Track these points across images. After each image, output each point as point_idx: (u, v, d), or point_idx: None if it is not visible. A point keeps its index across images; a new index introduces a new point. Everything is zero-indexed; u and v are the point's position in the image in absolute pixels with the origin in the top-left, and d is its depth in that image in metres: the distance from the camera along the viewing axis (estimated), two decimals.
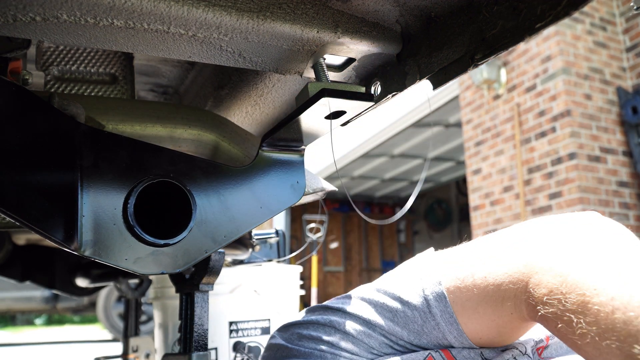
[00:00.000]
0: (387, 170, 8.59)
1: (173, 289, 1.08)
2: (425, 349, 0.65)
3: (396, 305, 0.66)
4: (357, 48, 0.71)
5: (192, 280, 0.93)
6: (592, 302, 0.46)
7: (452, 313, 0.61)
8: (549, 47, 4.17)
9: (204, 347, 0.91)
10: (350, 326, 0.67)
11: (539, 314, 0.51)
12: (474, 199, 4.92)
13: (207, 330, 0.92)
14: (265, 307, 1.40)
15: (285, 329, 0.75)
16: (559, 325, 0.49)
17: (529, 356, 0.64)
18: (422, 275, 0.65)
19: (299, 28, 0.66)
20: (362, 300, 0.70)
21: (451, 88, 5.27)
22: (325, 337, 0.68)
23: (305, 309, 0.77)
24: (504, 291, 0.56)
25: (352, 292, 0.73)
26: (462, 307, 0.61)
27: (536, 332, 0.68)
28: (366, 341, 0.66)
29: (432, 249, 0.71)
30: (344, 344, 0.66)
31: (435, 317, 0.62)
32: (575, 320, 0.47)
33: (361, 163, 7.96)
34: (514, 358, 0.63)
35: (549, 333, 0.67)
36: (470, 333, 0.62)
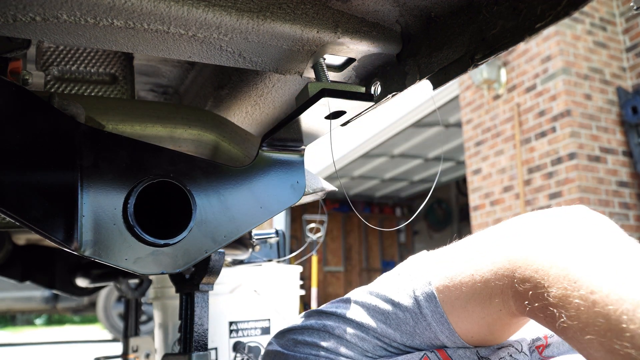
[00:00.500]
0: (387, 170, 8.59)
1: (173, 289, 1.08)
2: (419, 349, 0.65)
3: (388, 307, 0.66)
4: (357, 48, 0.71)
5: (192, 280, 0.93)
6: (573, 296, 0.45)
7: (442, 313, 0.61)
8: (549, 47, 4.17)
9: (204, 347, 0.91)
10: (344, 330, 0.67)
11: (527, 309, 0.51)
12: (474, 199, 4.92)
13: (207, 330, 0.92)
14: (265, 307, 1.40)
15: (282, 335, 0.75)
16: (546, 319, 0.49)
17: (525, 354, 0.64)
18: (413, 276, 0.65)
19: (299, 28, 0.66)
20: (355, 303, 0.70)
21: (451, 88, 5.27)
22: (320, 342, 0.68)
23: (301, 314, 0.77)
24: (492, 288, 0.55)
25: (346, 296, 0.73)
26: (452, 306, 0.60)
27: (533, 330, 0.68)
28: (360, 344, 0.66)
29: (425, 251, 0.71)
30: (338, 348, 0.67)
31: (427, 317, 0.62)
32: (557, 314, 0.46)
33: (361, 163, 7.96)
34: (510, 356, 0.63)
35: (547, 331, 0.67)
36: (462, 332, 0.62)
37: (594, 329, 0.43)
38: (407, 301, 0.64)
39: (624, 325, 0.41)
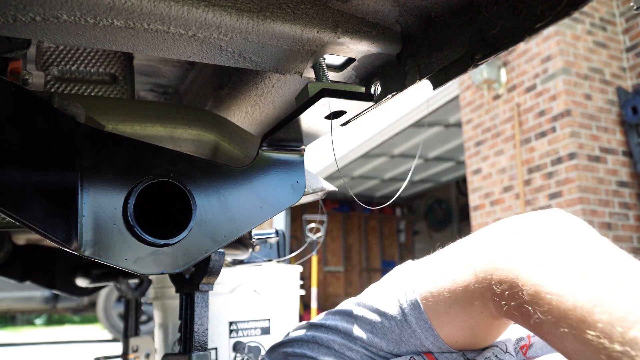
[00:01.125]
0: (387, 170, 8.58)
1: (173, 289, 1.08)
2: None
3: (374, 317, 0.67)
4: (357, 48, 0.71)
5: (192, 280, 0.93)
6: (545, 292, 0.47)
7: (426, 319, 0.62)
8: (549, 47, 4.17)
9: (204, 347, 0.91)
10: (332, 341, 0.69)
11: (504, 309, 0.52)
12: (474, 199, 4.92)
13: (207, 330, 0.92)
14: (265, 307, 1.40)
15: (273, 350, 0.77)
16: (522, 318, 0.50)
17: (510, 354, 0.65)
18: (397, 284, 0.67)
19: (299, 28, 0.66)
20: (344, 314, 0.72)
21: (451, 88, 5.27)
22: (309, 353, 0.70)
23: (293, 327, 0.79)
24: (472, 291, 0.57)
25: (336, 308, 0.76)
26: (436, 311, 0.61)
27: (517, 331, 0.69)
28: (348, 354, 0.68)
29: (410, 260, 0.73)
30: (326, 358, 0.68)
31: (411, 324, 0.63)
32: (532, 311, 0.48)
33: (361, 163, 7.96)
34: (496, 356, 0.64)
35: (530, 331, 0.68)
36: (446, 337, 0.62)
37: (566, 322, 0.44)
38: (392, 310, 0.65)
39: (596, 317, 0.42)
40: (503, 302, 0.52)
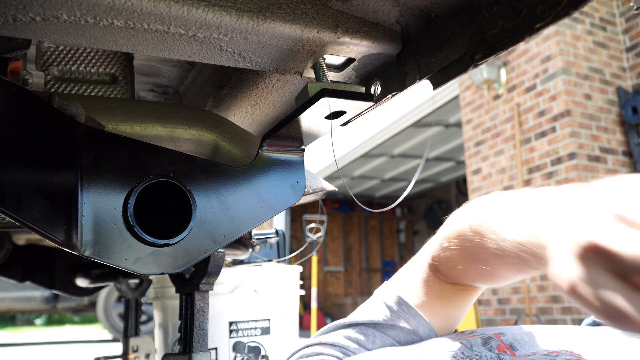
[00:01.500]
0: (387, 170, 8.59)
1: (173, 289, 1.08)
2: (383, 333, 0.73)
3: (356, 310, 0.77)
4: (357, 48, 0.71)
5: (192, 280, 0.93)
6: (450, 229, 0.66)
7: (395, 286, 0.74)
8: (549, 47, 4.17)
9: (204, 347, 0.91)
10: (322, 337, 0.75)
11: (436, 259, 0.69)
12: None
13: (207, 330, 0.92)
14: (265, 307, 1.40)
15: None
16: (443, 257, 0.67)
17: (479, 354, 0.66)
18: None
19: (299, 28, 0.66)
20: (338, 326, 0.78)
21: (451, 88, 5.27)
22: (320, 350, 0.72)
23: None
24: (422, 262, 0.73)
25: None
26: (405, 284, 0.74)
27: (482, 332, 0.71)
28: (330, 341, 0.73)
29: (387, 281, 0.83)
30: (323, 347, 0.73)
31: (387, 302, 0.72)
32: (445, 244, 0.66)
33: (361, 163, 7.96)
34: (462, 353, 0.65)
35: (496, 330, 0.74)
36: (412, 299, 0.73)
37: (457, 238, 0.63)
38: (374, 301, 0.75)
39: (487, 224, 0.58)
40: (434, 254, 0.69)
